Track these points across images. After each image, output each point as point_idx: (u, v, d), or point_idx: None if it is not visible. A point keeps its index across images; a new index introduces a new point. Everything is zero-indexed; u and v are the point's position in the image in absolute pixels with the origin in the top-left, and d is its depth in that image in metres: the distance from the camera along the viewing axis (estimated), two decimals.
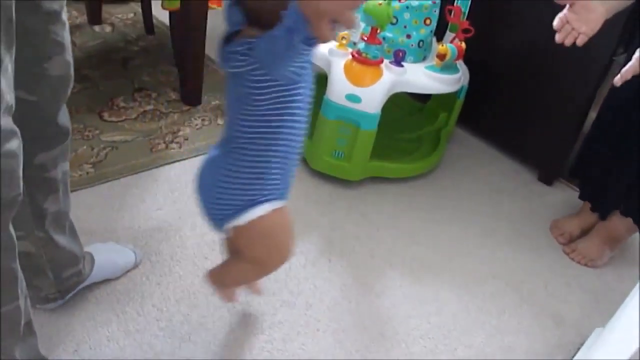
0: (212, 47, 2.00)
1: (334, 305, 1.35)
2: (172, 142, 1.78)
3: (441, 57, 1.67)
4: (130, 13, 2.52)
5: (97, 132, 1.75)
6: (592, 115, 1.76)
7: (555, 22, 1.25)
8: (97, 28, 2.35)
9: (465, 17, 1.74)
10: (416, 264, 1.53)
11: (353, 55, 1.61)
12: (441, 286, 1.47)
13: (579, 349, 1.35)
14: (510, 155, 2.04)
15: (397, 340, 1.30)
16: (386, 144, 1.79)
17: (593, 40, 1.24)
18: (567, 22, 1.23)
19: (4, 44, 0.69)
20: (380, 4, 1.51)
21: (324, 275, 1.43)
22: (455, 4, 1.73)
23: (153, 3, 2.28)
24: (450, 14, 1.73)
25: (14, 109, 0.73)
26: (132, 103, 1.92)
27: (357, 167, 1.69)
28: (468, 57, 1.79)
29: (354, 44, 1.67)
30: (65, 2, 0.90)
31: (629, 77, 1.22)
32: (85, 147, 1.68)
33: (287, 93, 0.90)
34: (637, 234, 1.64)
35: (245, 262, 1.08)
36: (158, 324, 1.23)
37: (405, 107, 2.08)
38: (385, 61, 1.62)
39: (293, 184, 1.02)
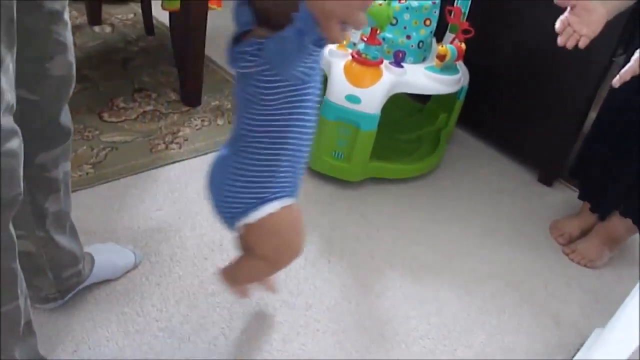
0: (212, 48, 2.05)
1: (333, 306, 1.35)
2: (171, 142, 1.78)
3: (441, 57, 1.67)
4: (130, 13, 2.52)
5: (97, 132, 1.75)
6: (592, 115, 1.76)
7: (557, 25, 1.25)
8: (97, 28, 2.35)
9: (465, 18, 1.74)
10: (416, 264, 1.53)
11: (353, 56, 1.61)
12: (441, 286, 1.47)
13: (579, 349, 1.35)
14: (510, 155, 2.04)
15: (397, 341, 1.30)
16: (386, 144, 1.79)
17: (593, 41, 1.24)
18: (569, 24, 1.23)
19: (5, 43, 0.69)
20: (380, 5, 1.51)
21: (323, 276, 1.43)
22: (455, 4, 1.73)
23: (153, 3, 2.28)
24: (450, 14, 1.73)
25: (15, 108, 0.73)
26: (132, 103, 1.92)
27: (357, 167, 1.69)
28: (468, 58, 1.79)
29: (354, 44, 1.67)
30: (67, 2, 0.90)
31: (627, 78, 1.22)
32: (85, 147, 1.68)
33: (296, 93, 0.91)
34: (637, 234, 1.64)
35: (256, 259, 1.09)
36: (157, 324, 1.23)
37: (405, 107, 2.08)
38: (385, 62, 1.62)
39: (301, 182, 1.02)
